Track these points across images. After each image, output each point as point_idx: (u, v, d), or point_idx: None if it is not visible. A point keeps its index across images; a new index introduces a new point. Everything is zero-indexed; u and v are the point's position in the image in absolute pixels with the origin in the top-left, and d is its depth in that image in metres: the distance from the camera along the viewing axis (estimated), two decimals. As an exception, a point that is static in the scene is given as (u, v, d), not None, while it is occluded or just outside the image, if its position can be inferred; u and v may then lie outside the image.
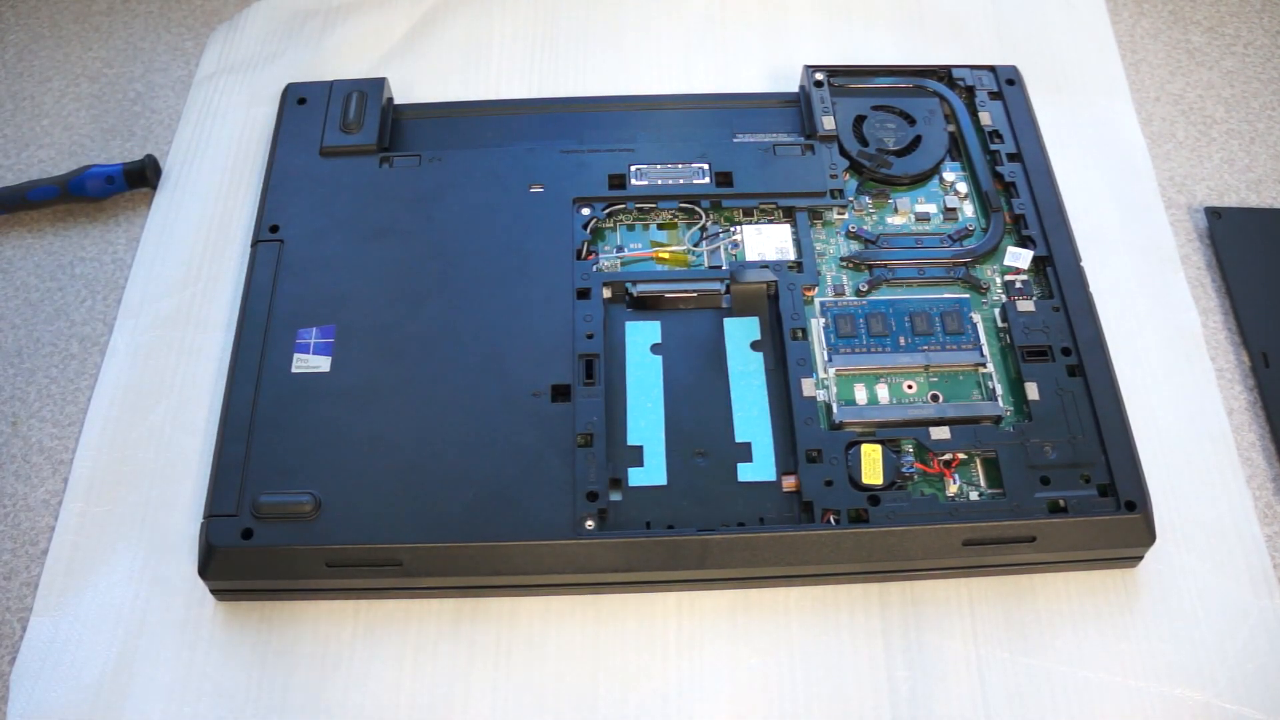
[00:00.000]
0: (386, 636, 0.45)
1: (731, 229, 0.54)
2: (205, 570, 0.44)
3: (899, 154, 0.56)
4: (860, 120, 0.57)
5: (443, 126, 0.58)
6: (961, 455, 0.47)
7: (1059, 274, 0.51)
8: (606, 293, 0.51)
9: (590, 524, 0.44)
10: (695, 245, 0.53)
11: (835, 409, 0.48)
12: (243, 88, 0.63)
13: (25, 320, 0.55)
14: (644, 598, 0.46)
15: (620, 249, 0.53)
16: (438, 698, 0.44)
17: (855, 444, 0.46)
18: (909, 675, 0.44)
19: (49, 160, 0.61)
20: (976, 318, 0.51)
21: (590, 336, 0.49)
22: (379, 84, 0.58)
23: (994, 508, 0.45)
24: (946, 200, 0.55)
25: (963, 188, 0.56)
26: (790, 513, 0.45)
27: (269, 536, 0.44)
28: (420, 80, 0.63)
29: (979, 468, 0.47)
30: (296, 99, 0.58)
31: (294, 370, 0.48)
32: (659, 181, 0.54)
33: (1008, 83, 0.59)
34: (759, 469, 0.46)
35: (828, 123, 0.56)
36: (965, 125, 0.57)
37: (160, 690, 0.44)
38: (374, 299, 0.50)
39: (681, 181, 0.54)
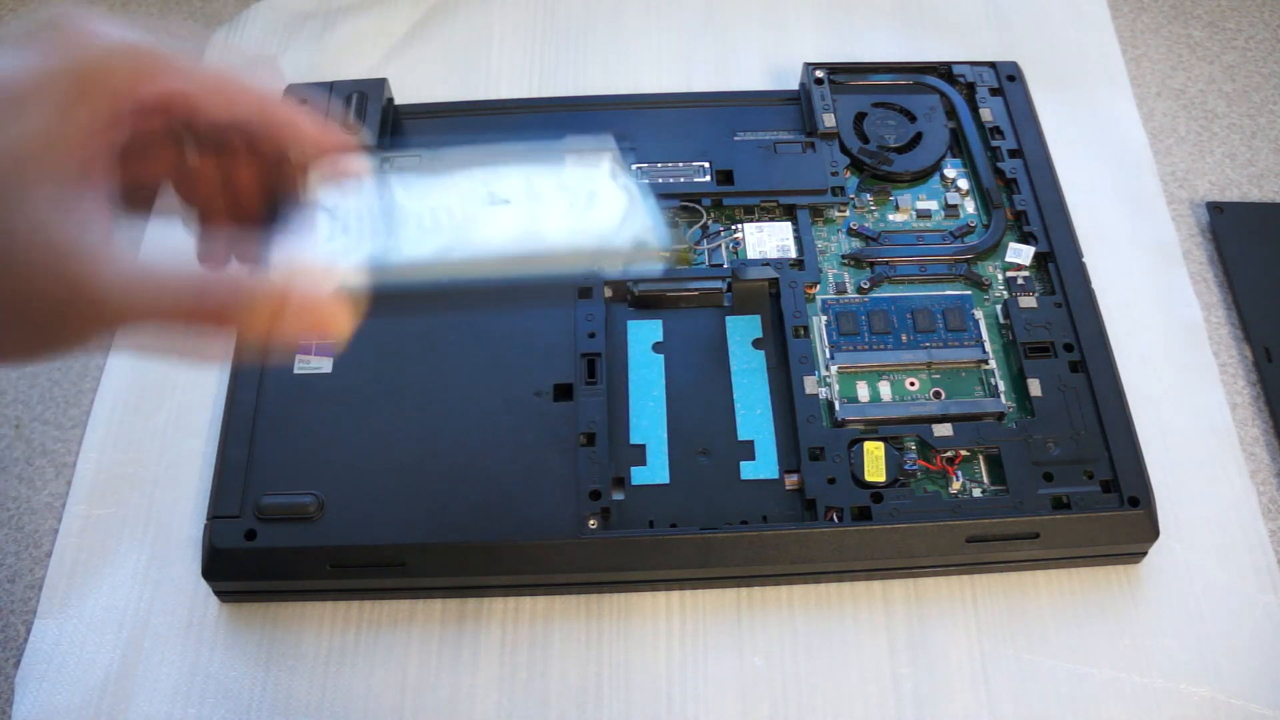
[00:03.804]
0: (390, 636, 0.45)
1: (733, 227, 0.54)
2: (209, 572, 0.44)
3: (900, 151, 0.56)
4: (861, 117, 0.57)
5: (443, 126, 0.58)
6: (964, 452, 0.47)
7: (1061, 270, 0.51)
8: (608, 292, 0.51)
9: (593, 523, 0.44)
10: (696, 244, 0.53)
11: (837, 406, 0.48)
12: (243, 89, 0.63)
13: (28, 323, 0.55)
14: (647, 596, 0.46)
15: (621, 248, 0.53)
16: (441, 698, 0.44)
17: (858, 441, 0.46)
18: (913, 672, 0.44)
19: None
20: (978, 314, 0.51)
21: (592, 336, 0.49)
22: (379, 84, 0.58)
23: (997, 504, 0.45)
24: (948, 197, 0.55)
25: (964, 184, 0.56)
26: (793, 511, 0.45)
27: (272, 538, 0.44)
28: (420, 80, 0.63)
29: (982, 464, 0.47)
30: (297, 100, 0.58)
31: (296, 371, 0.48)
32: (659, 180, 0.54)
33: (1008, 79, 0.58)
34: (761, 467, 0.46)
35: (828, 120, 0.56)
36: (966, 122, 0.57)
37: (164, 692, 0.44)
38: (375, 298, 0.50)
39: (682, 180, 0.54)
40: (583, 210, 0.31)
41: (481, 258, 0.30)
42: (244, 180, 0.31)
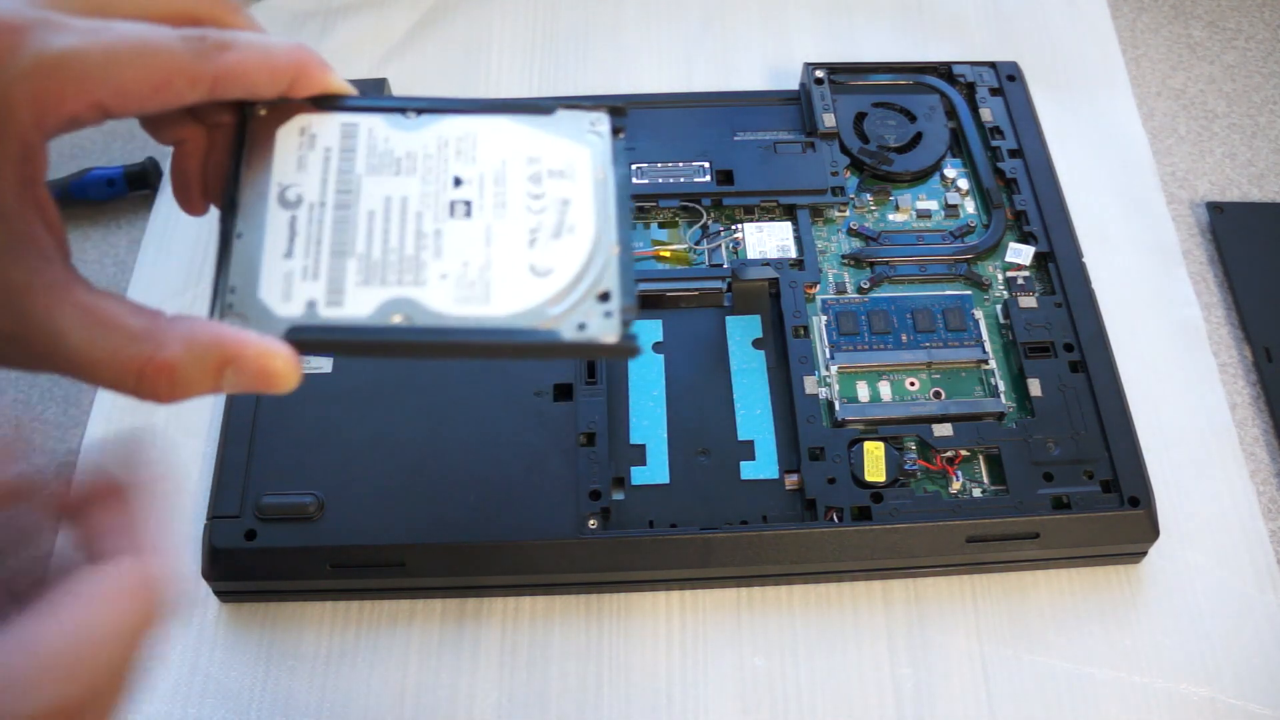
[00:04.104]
0: (390, 636, 0.45)
1: (732, 227, 0.54)
2: (209, 572, 0.44)
3: (900, 151, 0.56)
4: (861, 117, 0.57)
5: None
6: (964, 452, 0.47)
7: (1061, 270, 0.51)
8: (608, 292, 0.51)
9: (593, 523, 0.44)
10: (696, 244, 0.53)
11: (837, 406, 0.48)
12: (243, 89, 0.63)
13: (27, 323, 0.55)
14: (647, 596, 0.46)
15: (621, 248, 0.53)
16: (441, 697, 0.44)
17: (858, 441, 0.46)
18: (913, 673, 0.44)
19: (50, 163, 0.61)
20: (978, 314, 0.51)
21: (592, 336, 0.49)
22: (379, 84, 0.58)
23: (997, 504, 0.45)
24: (948, 197, 0.55)
25: (964, 184, 0.56)
26: (793, 511, 0.45)
27: (272, 538, 0.44)
28: (420, 80, 0.63)
29: (982, 464, 0.47)
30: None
31: (296, 371, 0.48)
32: (659, 180, 0.54)
33: (1008, 79, 0.58)
34: (761, 467, 0.46)
35: (828, 120, 0.56)
36: (966, 121, 0.57)
37: (164, 692, 0.44)
38: None
39: (682, 180, 0.54)
40: (545, 242, 0.27)
41: (424, 335, 0.26)
42: (218, 121, 0.29)
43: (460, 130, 0.28)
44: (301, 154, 0.28)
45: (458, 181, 0.28)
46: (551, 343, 0.26)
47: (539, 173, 0.28)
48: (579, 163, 0.28)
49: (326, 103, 0.28)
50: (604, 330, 0.27)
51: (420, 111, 0.28)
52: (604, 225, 0.28)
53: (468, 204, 0.27)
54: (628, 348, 0.27)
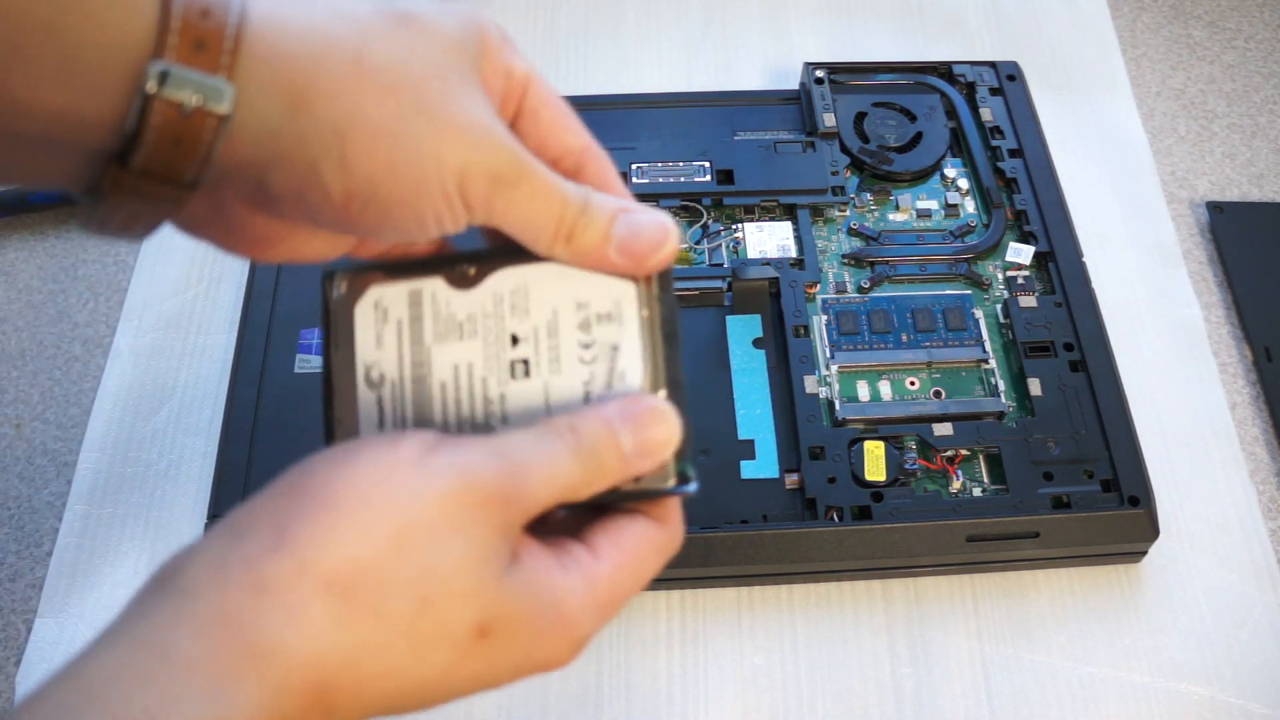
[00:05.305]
0: (390, 636, 0.45)
1: (733, 227, 0.54)
2: (209, 571, 0.44)
3: (900, 150, 0.56)
4: (861, 117, 0.57)
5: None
6: (964, 451, 0.47)
7: (1061, 270, 0.51)
8: (608, 291, 0.51)
9: (593, 522, 0.44)
10: (697, 243, 0.53)
11: (838, 406, 0.48)
12: (243, 89, 0.63)
13: (28, 322, 0.55)
14: (647, 596, 0.46)
15: (622, 247, 0.53)
16: (442, 697, 0.44)
17: (858, 441, 0.46)
18: (913, 672, 0.44)
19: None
20: (978, 314, 0.51)
21: (592, 335, 0.49)
22: None
23: (997, 504, 0.45)
24: (948, 196, 0.55)
25: (964, 184, 0.56)
26: (793, 510, 0.45)
27: (272, 537, 0.44)
28: (421, 80, 0.63)
29: (982, 464, 0.47)
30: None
31: (297, 370, 0.48)
32: (660, 180, 0.54)
33: (1008, 78, 0.59)
34: (762, 466, 0.46)
35: (829, 120, 0.56)
36: (966, 121, 0.57)
37: (165, 691, 0.44)
38: None
39: (683, 179, 0.54)
40: (598, 395, 0.28)
41: None
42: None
43: (512, 282, 0.29)
44: (378, 330, 0.29)
45: (515, 340, 0.28)
46: (610, 497, 0.27)
47: (588, 319, 0.28)
48: (625, 301, 0.28)
49: (394, 267, 0.29)
50: (658, 478, 0.27)
51: (477, 269, 0.29)
52: (653, 369, 0.28)
53: (525, 363, 0.28)
54: (685, 492, 0.28)
